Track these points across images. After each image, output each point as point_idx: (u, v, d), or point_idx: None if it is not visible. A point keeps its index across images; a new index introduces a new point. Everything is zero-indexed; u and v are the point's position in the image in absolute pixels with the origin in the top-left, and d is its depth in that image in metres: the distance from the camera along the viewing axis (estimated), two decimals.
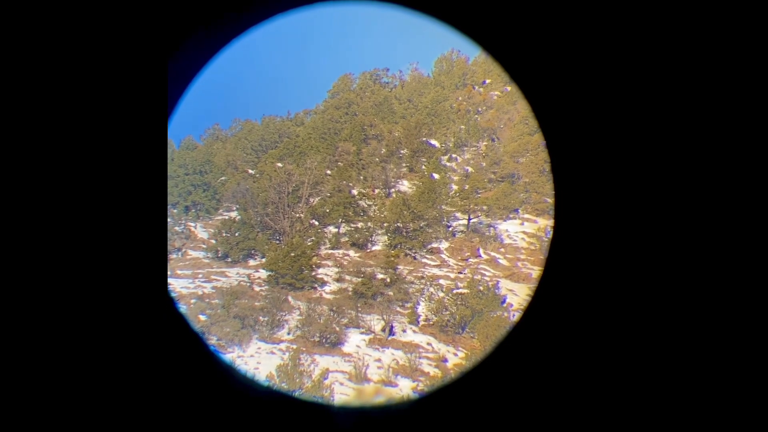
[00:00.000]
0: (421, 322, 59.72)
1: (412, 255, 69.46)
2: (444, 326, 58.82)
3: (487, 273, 66.50)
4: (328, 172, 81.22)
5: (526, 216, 76.79)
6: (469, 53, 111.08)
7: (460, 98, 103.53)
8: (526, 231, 74.46)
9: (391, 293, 61.52)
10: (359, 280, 62.49)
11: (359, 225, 71.85)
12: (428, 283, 63.40)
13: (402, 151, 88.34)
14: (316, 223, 73.21)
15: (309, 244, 67.30)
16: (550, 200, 78.60)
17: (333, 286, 63.60)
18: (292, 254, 62.86)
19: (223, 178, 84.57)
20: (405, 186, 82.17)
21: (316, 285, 62.98)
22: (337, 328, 56.97)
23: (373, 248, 70.63)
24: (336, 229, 72.67)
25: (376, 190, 79.61)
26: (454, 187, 79.49)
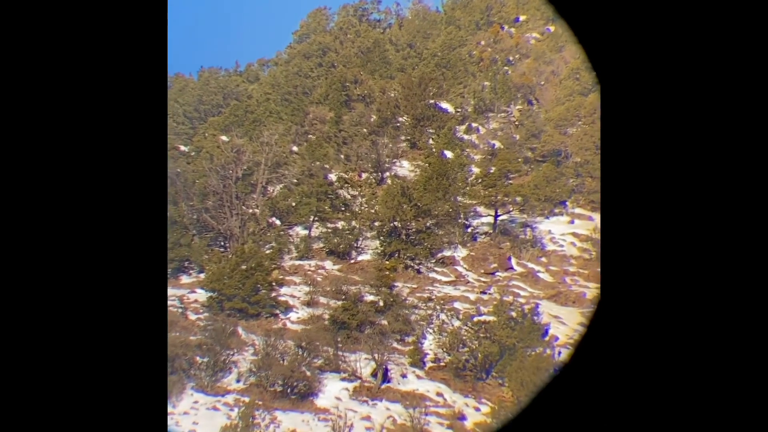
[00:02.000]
0: (429, 364, 59.84)
1: (416, 267, 69.59)
2: (461, 369, 58.94)
3: (522, 293, 66.67)
4: (295, 148, 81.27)
5: (578, 211, 76.97)
6: None
7: (482, 43, 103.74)
8: (578, 233, 74.59)
9: (385, 322, 61.58)
10: (339, 303, 62.51)
11: (339, 225, 71.91)
12: (438, 307, 63.50)
13: (400, 119, 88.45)
14: (278, 222, 73.25)
15: (267, 252, 67.33)
16: None
17: (302, 313, 63.64)
18: (243, 267, 62.83)
19: None
20: (405, 168, 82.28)
21: (278, 311, 63.00)
22: (308, 373, 57.02)
23: (360, 258, 70.72)
24: (306, 231, 72.75)
25: (364, 175, 79.70)
26: (475, 170, 79.65)
